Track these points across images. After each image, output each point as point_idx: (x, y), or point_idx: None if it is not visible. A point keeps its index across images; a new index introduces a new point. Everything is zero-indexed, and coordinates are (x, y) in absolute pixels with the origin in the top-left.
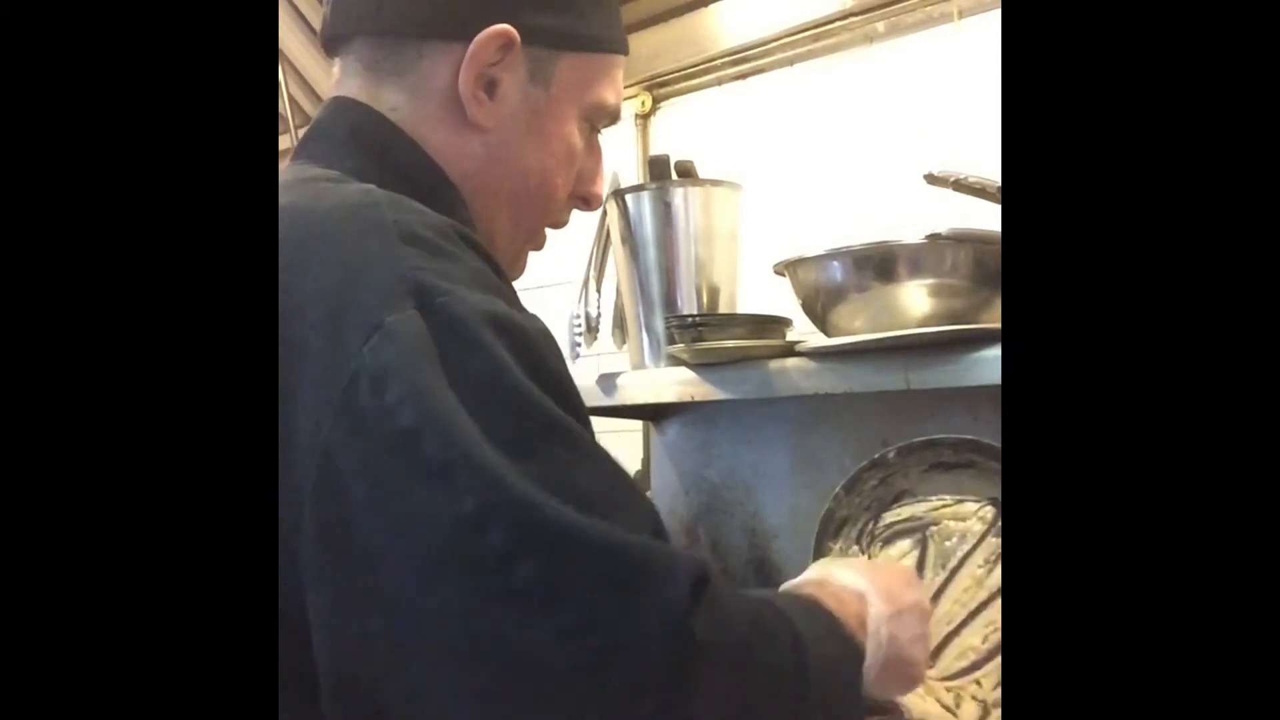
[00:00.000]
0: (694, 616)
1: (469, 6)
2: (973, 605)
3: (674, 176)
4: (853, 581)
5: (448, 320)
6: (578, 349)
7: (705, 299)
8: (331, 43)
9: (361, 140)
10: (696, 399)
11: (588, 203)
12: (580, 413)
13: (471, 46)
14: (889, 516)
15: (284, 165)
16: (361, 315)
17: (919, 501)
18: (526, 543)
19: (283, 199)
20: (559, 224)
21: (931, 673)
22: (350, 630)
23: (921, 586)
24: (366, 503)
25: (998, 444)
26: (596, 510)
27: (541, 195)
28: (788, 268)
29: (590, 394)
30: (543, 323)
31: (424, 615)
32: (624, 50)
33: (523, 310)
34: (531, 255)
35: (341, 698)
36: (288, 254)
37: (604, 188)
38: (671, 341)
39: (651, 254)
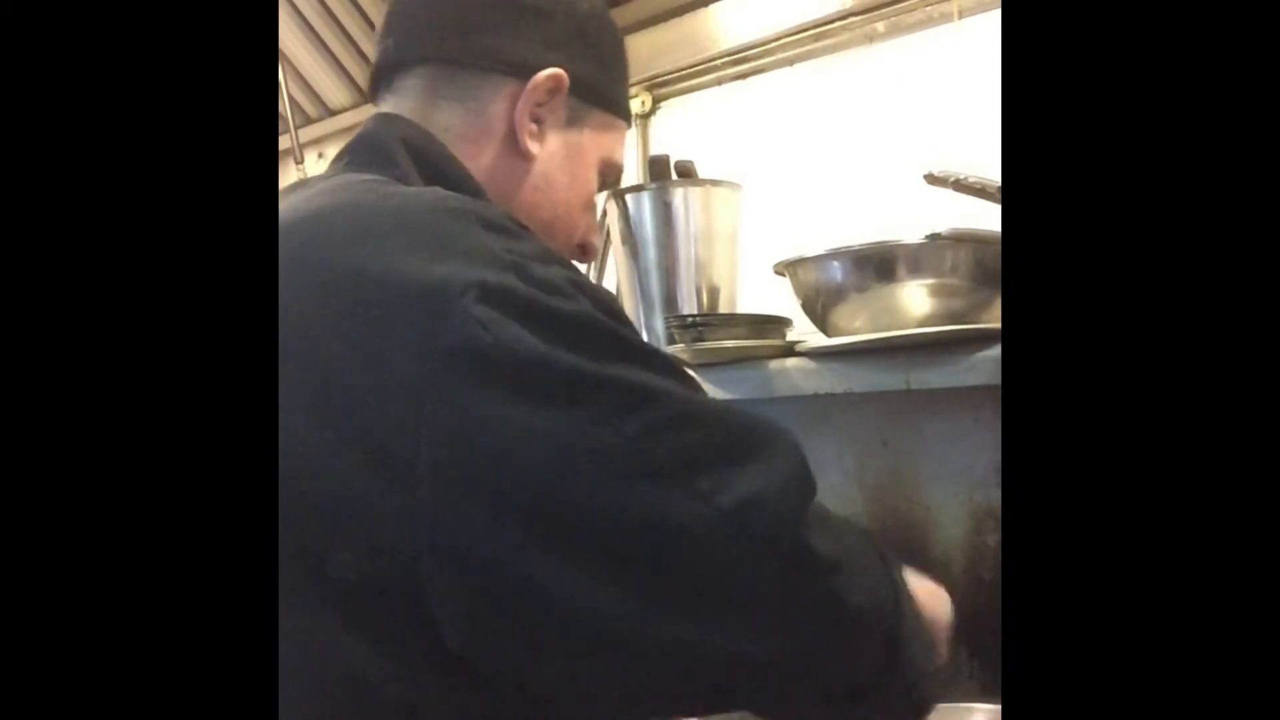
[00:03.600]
0: (807, 472)
1: (530, 49)
2: None
3: (674, 176)
4: None
5: (541, 282)
6: None
7: (705, 299)
8: (389, 69)
9: (413, 153)
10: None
11: (585, 251)
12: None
13: (530, 82)
14: None
15: (285, 174)
16: (459, 280)
17: None
18: (658, 426)
19: (340, 197)
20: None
21: None
22: (487, 531)
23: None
24: (495, 425)
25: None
26: (713, 407)
27: (567, 227)
28: (788, 268)
29: None
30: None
31: (569, 508)
32: (630, 121)
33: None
34: (573, 256)
35: (478, 623)
36: (362, 241)
37: (598, 244)
38: (671, 341)
39: (651, 254)
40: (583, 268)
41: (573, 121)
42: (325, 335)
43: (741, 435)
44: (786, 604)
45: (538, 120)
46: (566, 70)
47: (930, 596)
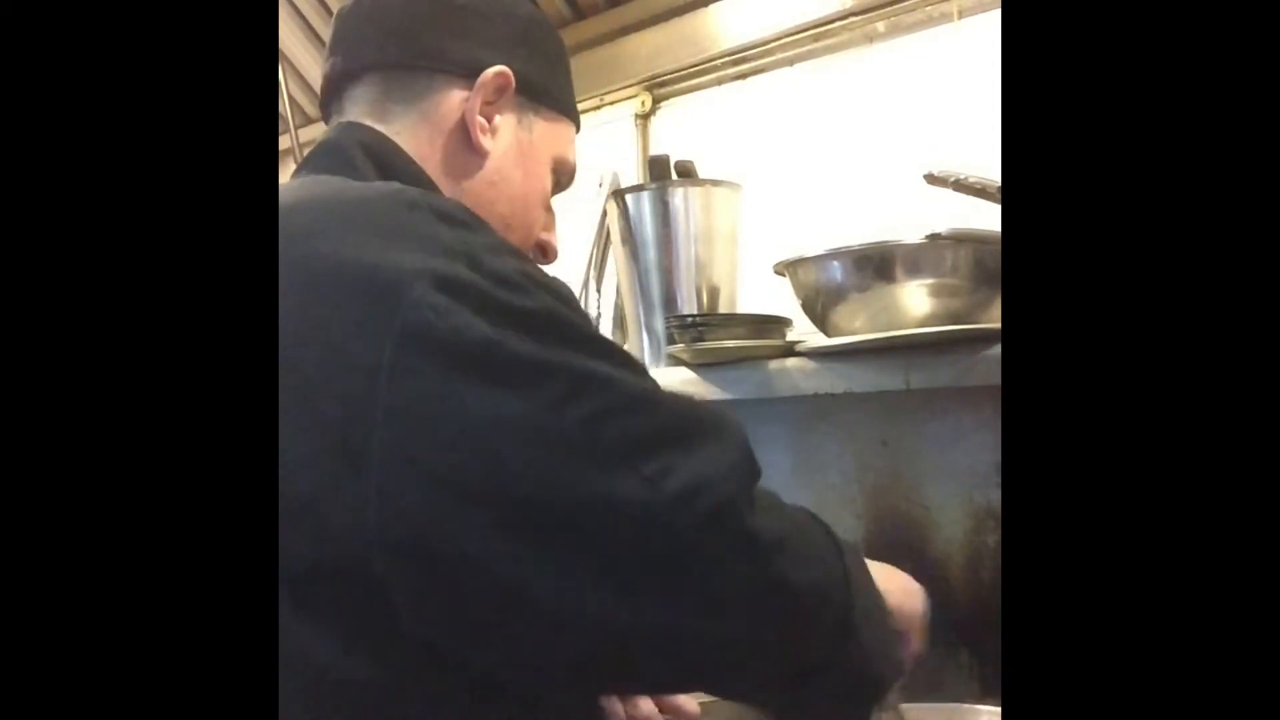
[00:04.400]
0: (751, 458)
1: (475, 49)
2: None
3: (674, 176)
4: None
5: (492, 272)
6: None
7: (705, 299)
8: (338, 82)
9: (370, 154)
10: (697, 399)
11: (545, 252)
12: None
13: (479, 80)
14: None
15: (285, 174)
16: (411, 268)
17: None
18: (605, 412)
19: (299, 194)
20: None
21: None
22: (436, 508)
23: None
24: (444, 409)
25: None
26: (659, 394)
27: (525, 224)
28: (788, 268)
29: None
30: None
31: (516, 492)
32: (578, 122)
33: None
34: (532, 256)
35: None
36: (322, 234)
37: (557, 245)
38: (671, 341)
39: (651, 254)
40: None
41: (523, 119)
42: (283, 324)
43: (687, 421)
44: (731, 585)
45: (488, 117)
46: (512, 69)
47: (899, 588)
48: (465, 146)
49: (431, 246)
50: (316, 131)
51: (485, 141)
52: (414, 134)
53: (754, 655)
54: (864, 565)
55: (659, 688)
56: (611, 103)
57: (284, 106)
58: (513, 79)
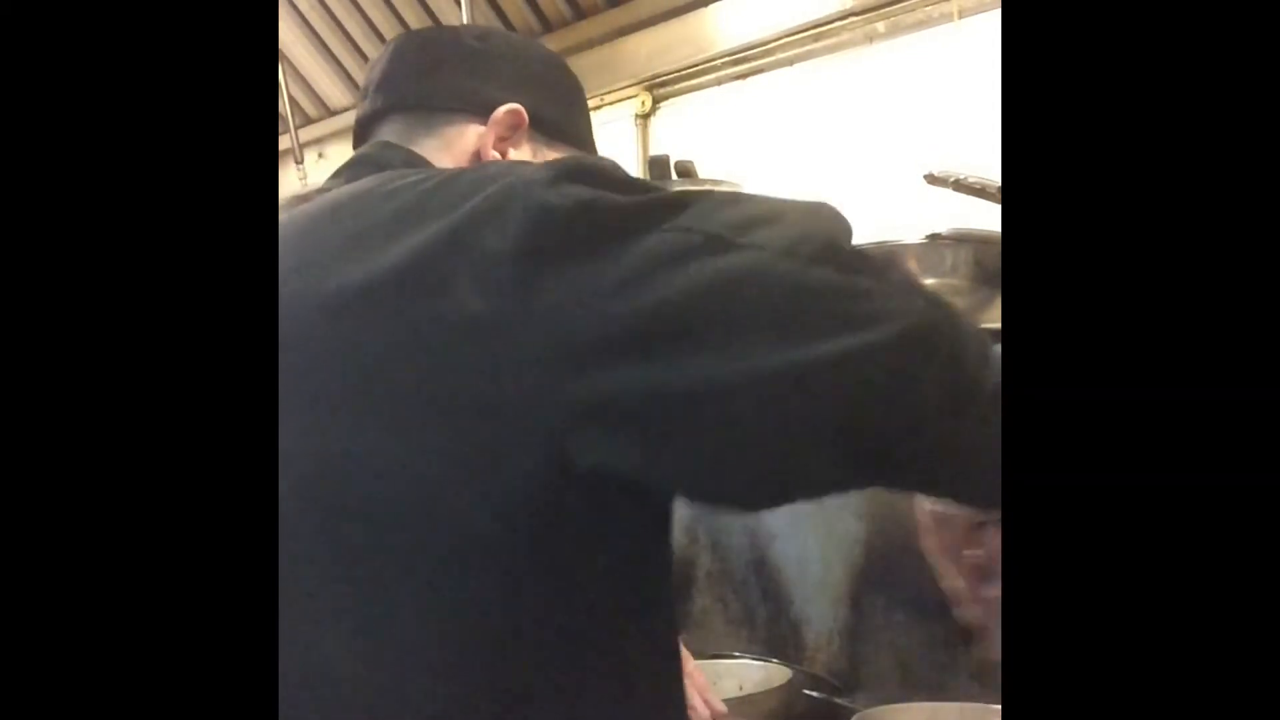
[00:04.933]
0: (847, 222)
1: (490, 89)
2: None
3: (674, 176)
4: None
5: (595, 162)
6: None
7: None
8: (369, 121)
9: (412, 167)
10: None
11: None
12: None
13: (493, 116)
14: None
15: (285, 174)
16: (519, 170)
17: None
18: (704, 212)
19: (358, 186)
20: None
21: None
22: (611, 376)
23: None
24: (569, 276)
25: None
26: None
27: None
28: None
29: None
30: None
31: (659, 306)
32: (593, 150)
33: None
34: None
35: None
36: (418, 177)
37: None
38: None
39: None
40: None
41: (537, 153)
42: (398, 260)
43: (779, 204)
44: (863, 306)
45: (503, 151)
46: (525, 106)
47: None
48: None
49: (518, 166)
50: (317, 131)
51: None
52: (438, 163)
53: (908, 384)
54: None
55: (851, 463)
56: (611, 103)
57: (284, 106)
58: (525, 116)
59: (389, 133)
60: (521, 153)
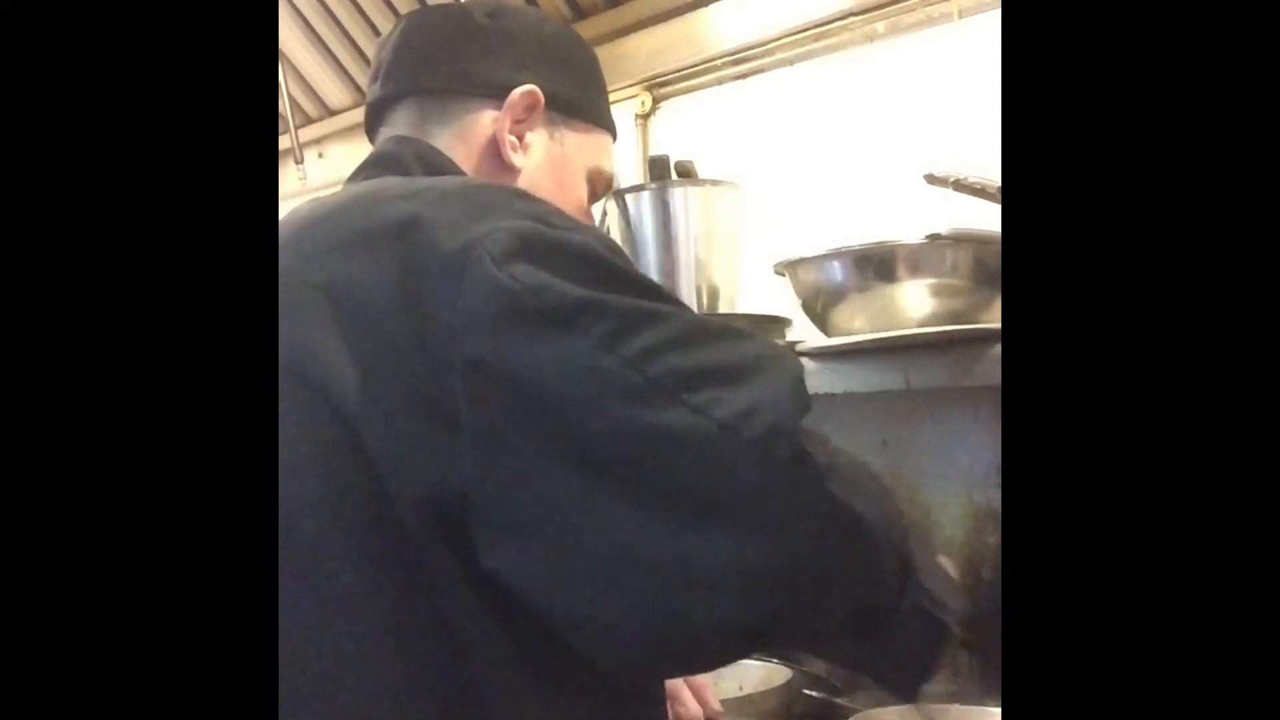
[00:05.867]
0: (806, 392)
1: (504, 71)
2: None
3: (674, 176)
4: None
5: (560, 230)
6: None
7: (705, 299)
8: (381, 107)
9: (424, 164)
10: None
11: None
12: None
13: (508, 99)
14: None
15: (285, 173)
16: (489, 225)
17: None
18: (658, 347)
19: (370, 185)
20: None
21: None
22: (512, 446)
23: None
24: (510, 353)
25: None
26: (714, 326)
27: None
28: (788, 268)
29: None
30: None
31: (580, 429)
32: (614, 131)
33: None
34: None
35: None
36: (405, 202)
37: None
38: None
39: (651, 254)
40: None
41: (554, 134)
42: (372, 281)
43: (736, 354)
44: (789, 510)
45: (519, 135)
46: (540, 86)
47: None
48: (497, 164)
49: (504, 210)
50: (316, 131)
51: (516, 158)
52: (451, 152)
53: (818, 590)
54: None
55: (720, 635)
56: (611, 103)
57: (284, 106)
58: (541, 96)
59: (402, 121)
60: (538, 135)
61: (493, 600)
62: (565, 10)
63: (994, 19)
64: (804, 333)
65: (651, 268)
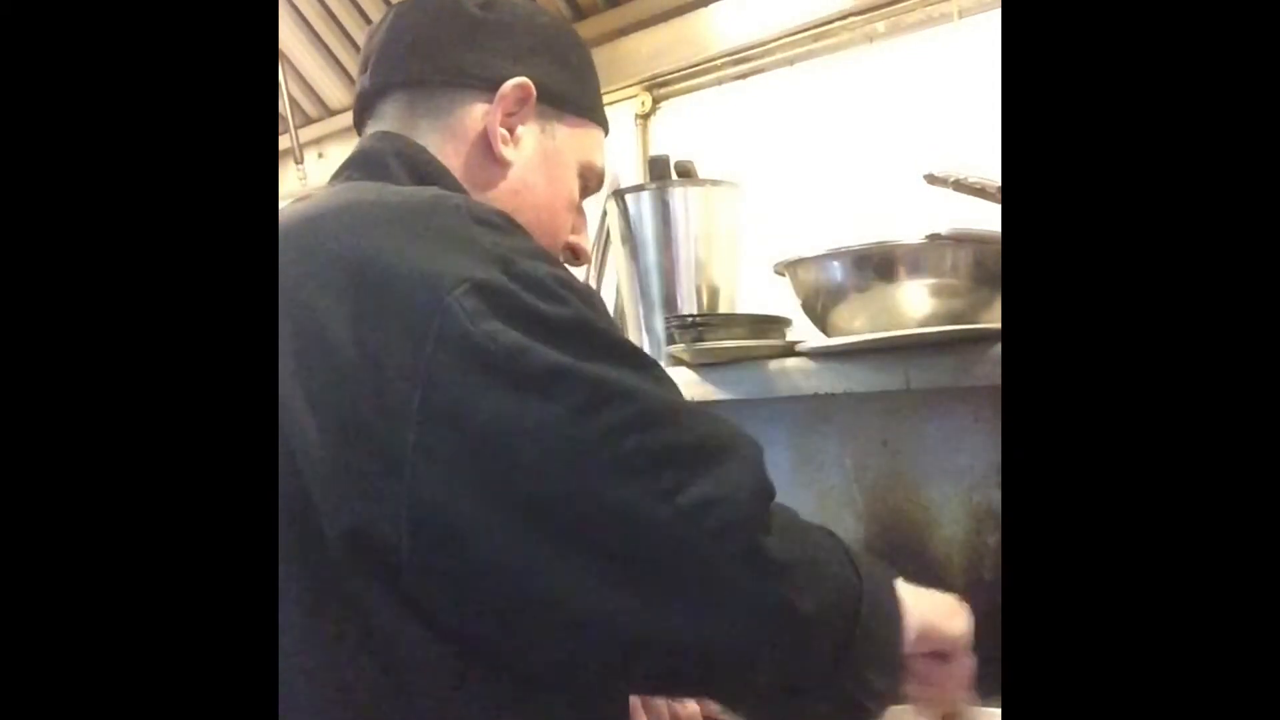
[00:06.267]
0: (765, 476)
1: (495, 63)
2: None
3: (674, 176)
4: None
5: (527, 278)
6: None
7: (705, 299)
8: (369, 98)
9: (405, 162)
10: (696, 399)
11: (576, 255)
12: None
13: (499, 92)
14: None
15: (285, 174)
16: (452, 273)
17: None
18: (626, 424)
19: (341, 198)
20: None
21: None
22: (464, 509)
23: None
24: (475, 412)
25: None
26: (681, 408)
27: (551, 229)
28: (788, 268)
29: None
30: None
31: (540, 495)
32: (607, 126)
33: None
34: (562, 259)
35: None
36: (367, 235)
37: (589, 247)
38: (671, 341)
39: (651, 254)
40: (579, 272)
41: (546, 127)
42: (323, 324)
43: (705, 438)
44: (734, 601)
45: (510, 128)
46: (533, 79)
47: (940, 612)
48: (488, 157)
49: (469, 251)
50: (317, 131)
51: (507, 152)
52: (440, 146)
53: (747, 668)
54: (887, 591)
55: (660, 690)
56: (611, 103)
57: (284, 106)
58: (533, 89)
59: (389, 115)
60: (530, 128)
61: (420, 633)
62: (565, 10)
63: (994, 19)
64: (804, 333)
65: (651, 268)
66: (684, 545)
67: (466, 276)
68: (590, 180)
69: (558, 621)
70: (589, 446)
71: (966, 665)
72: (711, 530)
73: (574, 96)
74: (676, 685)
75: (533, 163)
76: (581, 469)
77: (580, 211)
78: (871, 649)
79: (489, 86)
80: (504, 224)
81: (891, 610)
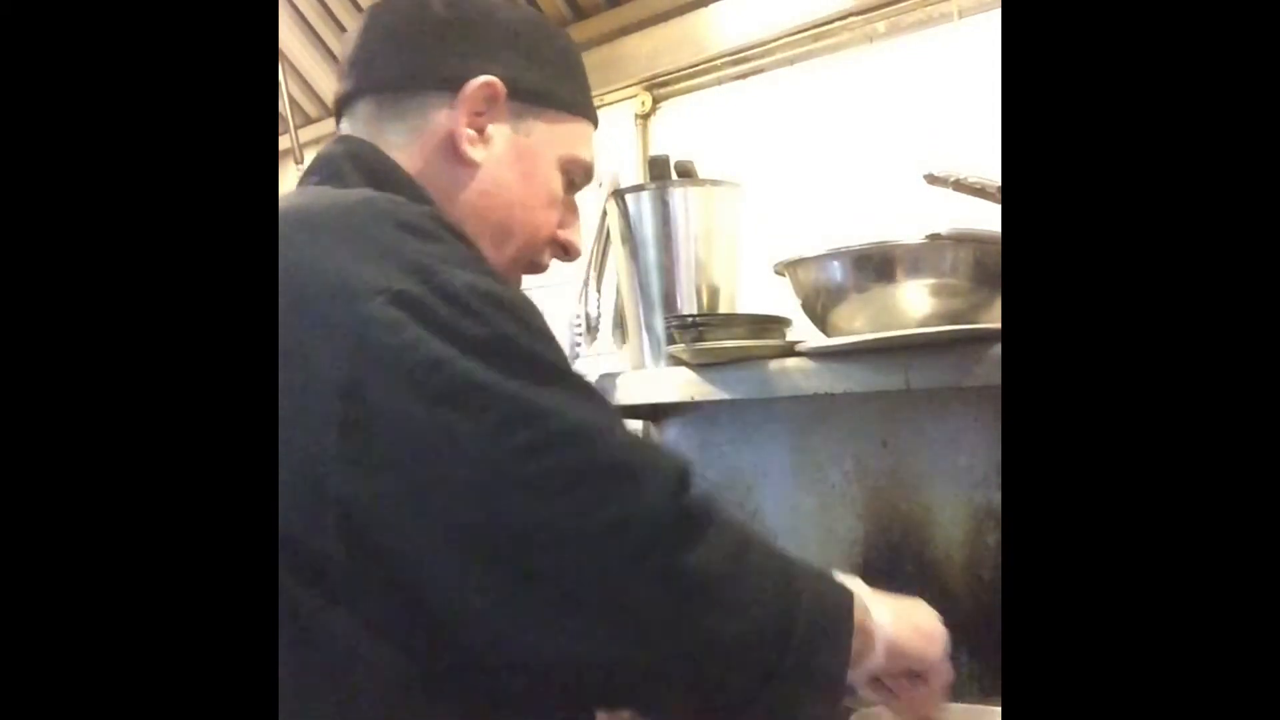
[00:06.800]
0: (685, 496)
1: (461, 63)
2: None
3: (674, 176)
4: (858, 587)
5: (448, 291)
6: (578, 349)
7: (705, 299)
8: (342, 102)
9: (357, 164)
10: (696, 399)
11: (566, 250)
12: (567, 363)
13: (463, 92)
14: None
15: (285, 174)
16: (369, 283)
17: None
18: (543, 442)
19: (284, 206)
20: (538, 266)
21: None
22: (387, 521)
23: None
24: (395, 425)
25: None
26: (598, 428)
27: (526, 229)
28: (788, 268)
29: None
30: (523, 294)
31: (457, 510)
32: (593, 119)
33: (505, 282)
34: (551, 255)
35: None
36: (292, 243)
37: (580, 242)
38: (671, 341)
39: (651, 254)
40: (579, 268)
41: (519, 124)
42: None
43: (622, 459)
44: (653, 619)
45: (478, 128)
46: (501, 76)
47: (913, 627)
48: (452, 159)
49: (389, 259)
50: (317, 131)
51: (474, 152)
52: (407, 150)
53: (670, 688)
54: (835, 616)
55: (588, 706)
56: (611, 103)
57: (284, 106)
58: (500, 87)
59: (359, 119)
60: (501, 127)
61: (359, 635)
62: (565, 10)
63: (994, 19)
64: (804, 333)
65: (651, 267)
66: (598, 565)
67: (384, 287)
68: (576, 175)
69: (478, 639)
70: (504, 466)
71: (941, 683)
72: (625, 550)
73: (551, 91)
74: (599, 701)
75: (505, 161)
76: (497, 488)
77: (571, 207)
78: (805, 675)
79: (454, 87)
80: (431, 229)
81: (838, 637)
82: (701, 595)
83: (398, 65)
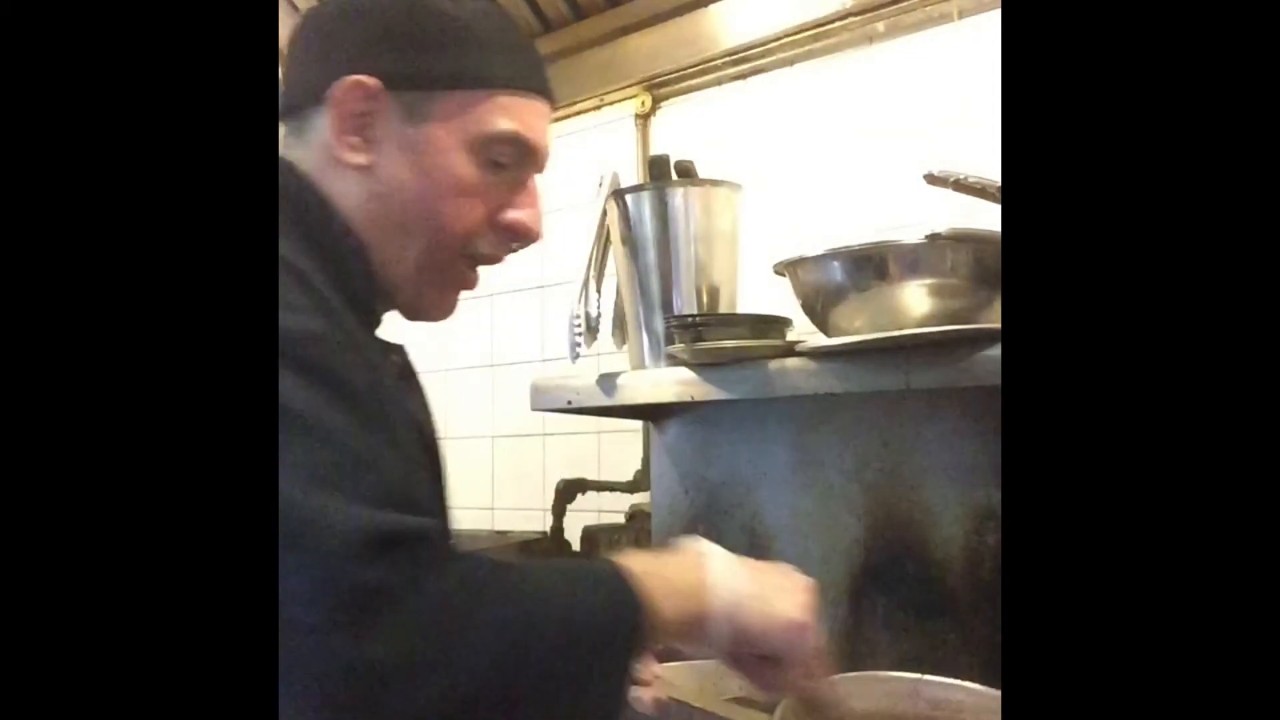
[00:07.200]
0: (365, 568)
1: (332, 69)
2: None
3: (674, 176)
4: (709, 549)
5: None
6: (578, 349)
7: (705, 299)
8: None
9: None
10: (696, 399)
11: (519, 233)
12: (341, 380)
13: (329, 99)
14: None
15: None
16: None
17: None
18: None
19: None
20: (483, 258)
21: None
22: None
23: (807, 586)
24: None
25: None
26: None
27: (431, 226)
28: (788, 268)
29: (590, 394)
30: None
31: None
32: (532, 88)
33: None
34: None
35: None
36: None
37: (539, 224)
38: (671, 341)
39: (651, 254)
40: (579, 268)
41: (412, 116)
42: None
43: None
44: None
45: (361, 130)
46: (375, 72)
47: (765, 614)
48: (338, 169)
49: None
50: None
51: (355, 157)
52: (308, 163)
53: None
54: (570, 624)
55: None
56: (611, 103)
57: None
58: (373, 83)
59: (282, 141)
60: (389, 124)
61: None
62: (565, 10)
63: (994, 19)
64: (804, 333)
65: (651, 268)
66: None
67: None
68: (501, 152)
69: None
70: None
71: (800, 667)
72: (299, 629)
73: (445, 71)
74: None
75: (398, 160)
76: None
77: (515, 187)
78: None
79: (326, 96)
80: None
81: (611, 599)
82: (369, 616)
83: (286, 88)
